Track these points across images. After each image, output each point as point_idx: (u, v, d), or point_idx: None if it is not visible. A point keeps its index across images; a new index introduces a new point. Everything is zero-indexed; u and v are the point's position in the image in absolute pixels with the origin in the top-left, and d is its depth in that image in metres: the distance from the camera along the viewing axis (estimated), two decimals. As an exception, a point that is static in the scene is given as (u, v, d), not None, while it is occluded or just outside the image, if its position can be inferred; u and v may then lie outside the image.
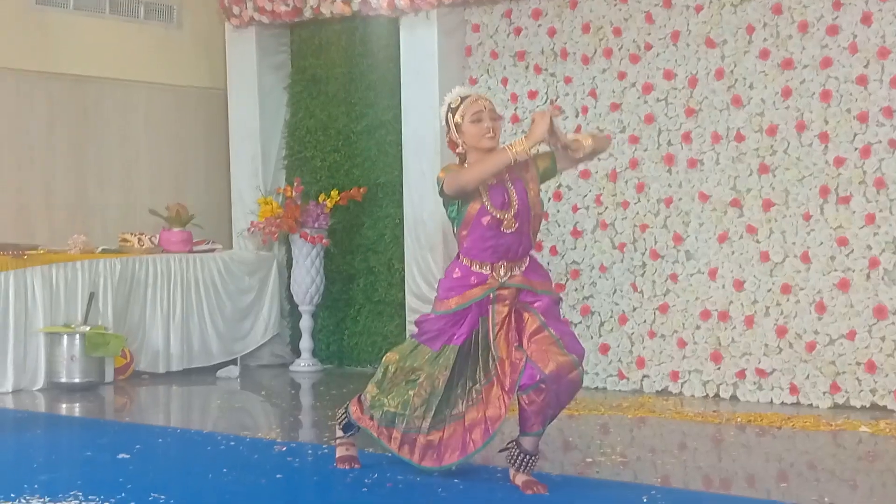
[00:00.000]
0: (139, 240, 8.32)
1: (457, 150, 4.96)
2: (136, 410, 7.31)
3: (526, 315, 4.82)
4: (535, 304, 4.84)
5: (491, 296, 4.85)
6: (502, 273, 4.85)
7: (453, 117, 4.90)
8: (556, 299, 4.93)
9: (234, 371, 8.32)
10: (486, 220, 4.81)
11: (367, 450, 5.35)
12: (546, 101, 7.67)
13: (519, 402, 4.75)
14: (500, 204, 4.83)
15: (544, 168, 4.94)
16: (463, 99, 4.92)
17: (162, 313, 8.18)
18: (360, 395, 5.08)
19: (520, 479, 4.80)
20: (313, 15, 8.51)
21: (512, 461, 4.81)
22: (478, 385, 4.85)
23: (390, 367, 4.98)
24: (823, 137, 6.70)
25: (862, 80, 6.59)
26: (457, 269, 4.92)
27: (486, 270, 4.86)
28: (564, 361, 4.70)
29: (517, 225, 4.82)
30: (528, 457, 4.78)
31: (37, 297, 7.58)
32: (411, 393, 4.87)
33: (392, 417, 4.90)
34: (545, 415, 4.75)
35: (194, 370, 8.31)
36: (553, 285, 5.03)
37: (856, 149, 6.62)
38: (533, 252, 5.00)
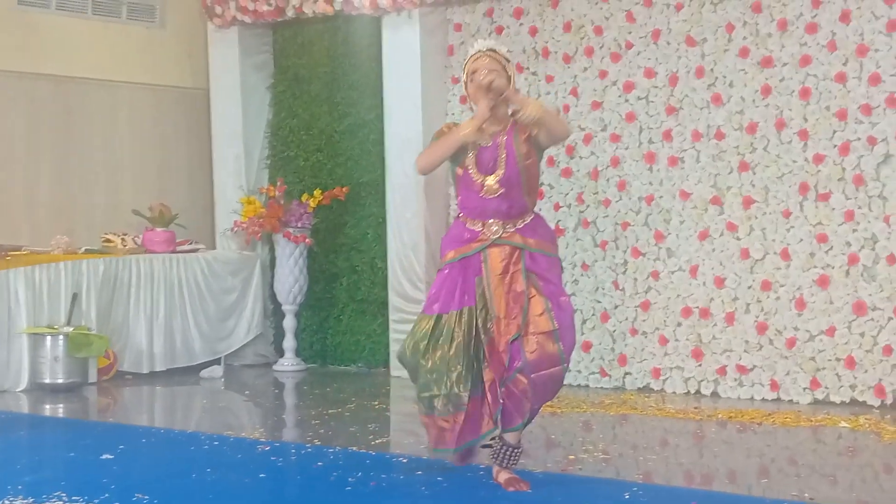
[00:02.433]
0: (122, 240, 8.30)
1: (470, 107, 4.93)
2: (119, 411, 7.28)
3: (533, 291, 4.75)
4: (543, 283, 4.75)
5: (482, 255, 4.80)
6: (494, 229, 4.82)
7: (464, 74, 4.92)
8: (555, 261, 4.88)
9: (217, 371, 8.29)
10: (469, 182, 4.85)
11: (350, 448, 5.33)
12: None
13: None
14: (485, 168, 4.83)
15: (536, 133, 4.86)
16: (472, 56, 4.91)
17: (145, 313, 8.16)
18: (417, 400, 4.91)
19: (503, 476, 4.80)
20: (296, 14, 8.50)
21: (495, 456, 4.81)
22: (481, 353, 4.77)
23: (420, 360, 4.80)
24: (803, 135, 6.73)
25: (841, 78, 6.62)
26: (455, 226, 4.96)
27: (477, 227, 4.85)
28: (551, 354, 4.67)
29: (503, 190, 4.80)
30: (510, 449, 4.77)
31: (20, 298, 7.55)
32: (450, 373, 4.72)
33: (438, 397, 4.74)
34: (523, 408, 4.71)
35: (178, 370, 8.29)
36: (555, 246, 4.94)
37: (835, 146, 6.64)
38: (536, 210, 4.94)
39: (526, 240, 4.82)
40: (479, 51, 4.91)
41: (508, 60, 4.93)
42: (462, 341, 4.75)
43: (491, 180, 4.82)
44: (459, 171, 4.88)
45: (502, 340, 4.74)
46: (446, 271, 4.86)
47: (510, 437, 4.78)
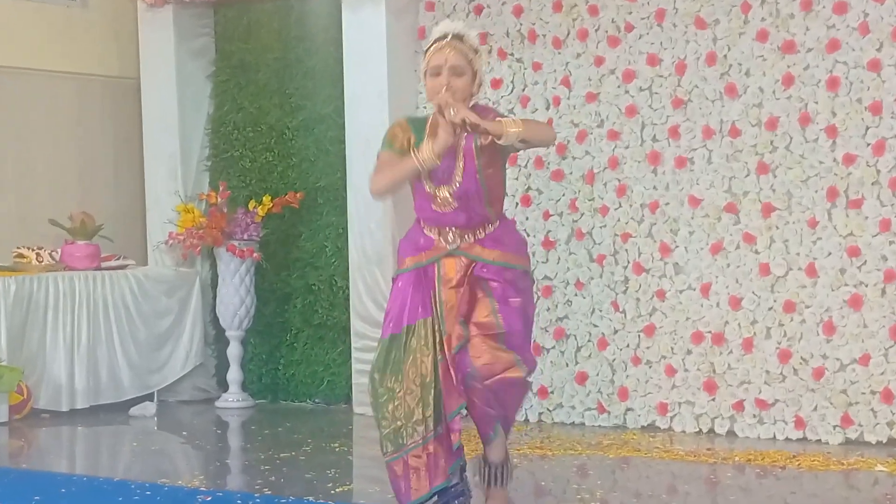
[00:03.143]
0: (37, 255, 8.27)
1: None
2: (34, 455, 7.25)
3: (480, 294, 4.88)
4: (493, 285, 4.89)
5: (437, 266, 4.93)
6: (451, 238, 4.95)
7: (423, 62, 5.01)
8: (520, 274, 4.97)
9: (149, 408, 8.27)
10: (424, 191, 4.97)
11: (306, 498, 5.31)
12: (511, 91, 7.69)
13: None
14: (439, 179, 4.92)
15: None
16: (434, 43, 4.98)
17: (65, 341, 8.12)
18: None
19: (494, 501, 4.93)
20: (241, -9, 8.51)
21: (484, 479, 4.94)
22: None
23: (378, 389, 4.92)
24: (831, 132, 6.76)
25: (874, 66, 6.66)
26: (413, 229, 5.08)
27: (433, 234, 4.98)
28: (502, 357, 4.80)
29: (457, 204, 4.90)
30: (495, 468, 4.89)
31: (-84, 324, 7.53)
32: (405, 397, 4.88)
33: (404, 427, 4.88)
34: (489, 417, 4.84)
35: (103, 407, 8.25)
36: (522, 257, 5.04)
37: (868, 144, 6.68)
38: (501, 218, 5.04)
39: (486, 251, 4.93)
40: (443, 38, 4.96)
41: (477, 51, 5.01)
42: (418, 357, 4.88)
43: (445, 192, 4.93)
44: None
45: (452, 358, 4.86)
46: (399, 283, 5.01)
47: (491, 455, 4.91)
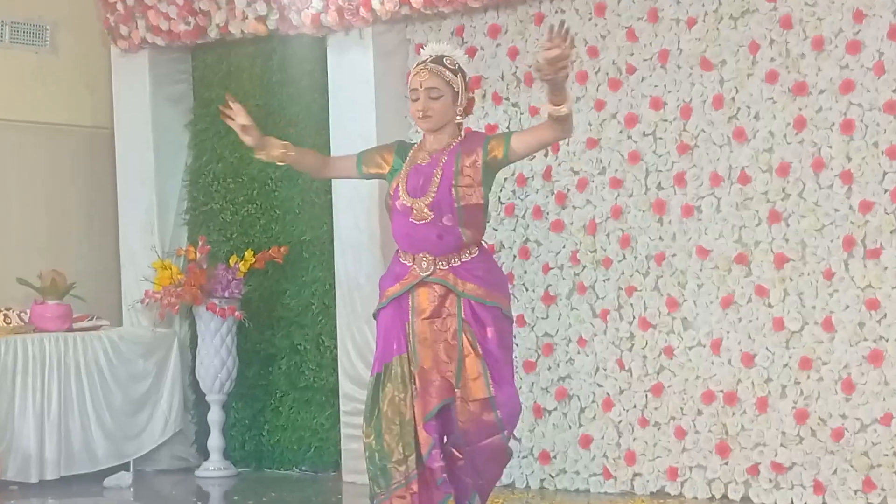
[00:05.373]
0: (5, 316, 8.26)
1: None
2: (2, 531, 7.22)
3: (468, 348, 5.07)
4: (482, 339, 5.08)
5: (410, 296, 5.15)
6: (424, 265, 5.15)
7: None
8: (497, 314, 5.17)
9: (125, 478, 8.24)
10: (398, 204, 5.22)
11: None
12: (508, 138, 7.69)
13: None
14: (414, 189, 5.18)
15: (493, 156, 5.23)
16: (413, 68, 5.38)
17: (34, 407, 8.08)
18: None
19: None
20: (220, 35, 8.52)
21: None
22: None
23: (366, 429, 5.19)
24: (846, 177, 6.76)
25: (891, 108, 6.66)
26: (392, 260, 5.35)
27: (407, 261, 5.22)
28: (488, 421, 5.01)
29: (432, 216, 5.13)
30: None
31: None
32: (384, 435, 5.11)
33: (387, 466, 5.11)
34: (464, 484, 5.04)
35: (76, 478, 8.21)
36: (500, 295, 5.25)
37: (885, 190, 6.68)
38: (480, 248, 5.27)
39: (460, 282, 5.12)
40: (421, 62, 5.33)
41: (457, 71, 5.31)
42: (396, 396, 5.09)
43: (420, 203, 5.16)
44: (390, 192, 5.27)
45: (428, 393, 5.05)
46: (381, 319, 5.28)
47: None
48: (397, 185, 5.26)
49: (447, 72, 5.27)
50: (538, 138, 5.32)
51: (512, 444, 5.34)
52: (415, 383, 5.07)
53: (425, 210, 5.13)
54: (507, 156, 5.29)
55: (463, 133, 5.45)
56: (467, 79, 5.47)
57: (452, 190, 5.13)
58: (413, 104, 5.33)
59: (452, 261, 5.13)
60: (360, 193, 7.92)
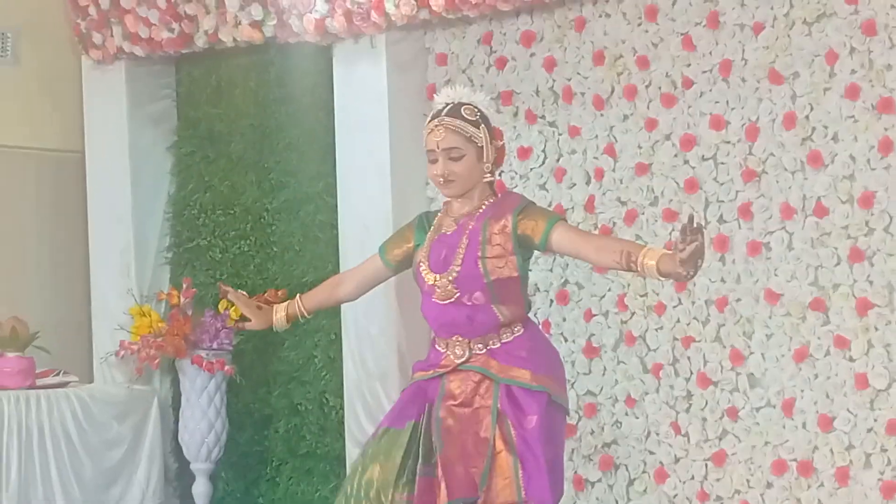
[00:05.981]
0: (-42, 371, 8.29)
1: None
2: None
3: (501, 444, 5.04)
4: (519, 429, 5.04)
5: (441, 381, 5.18)
6: (458, 352, 5.15)
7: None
8: (546, 403, 5.11)
9: (96, 561, 8.25)
10: (422, 283, 5.26)
11: None
12: (543, 162, 7.70)
13: None
14: (436, 264, 5.19)
15: (525, 233, 5.16)
16: (428, 121, 5.32)
17: (-9, 477, 8.12)
18: None
19: None
20: (209, 44, 8.57)
21: None
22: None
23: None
24: (940, 209, 6.77)
25: None
26: (430, 345, 5.36)
27: (441, 347, 5.23)
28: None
29: (458, 293, 5.11)
30: None
31: None
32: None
33: None
34: None
35: (39, 560, 8.23)
36: (550, 378, 5.21)
37: None
38: (525, 324, 5.25)
39: (497, 364, 5.11)
40: (435, 116, 5.25)
41: (480, 122, 5.23)
42: (399, 458, 5.12)
43: (442, 280, 5.16)
44: (414, 270, 5.32)
45: (450, 485, 5.04)
46: (402, 394, 5.38)
47: None
48: (420, 261, 5.26)
49: (468, 126, 5.20)
50: (593, 254, 5.24)
51: None
52: (429, 465, 5.10)
53: (450, 287, 5.12)
54: (542, 247, 5.21)
55: (495, 191, 5.43)
56: (491, 127, 5.39)
57: (479, 263, 5.09)
58: (431, 166, 5.29)
59: (491, 343, 5.11)
60: (371, 230, 7.92)
